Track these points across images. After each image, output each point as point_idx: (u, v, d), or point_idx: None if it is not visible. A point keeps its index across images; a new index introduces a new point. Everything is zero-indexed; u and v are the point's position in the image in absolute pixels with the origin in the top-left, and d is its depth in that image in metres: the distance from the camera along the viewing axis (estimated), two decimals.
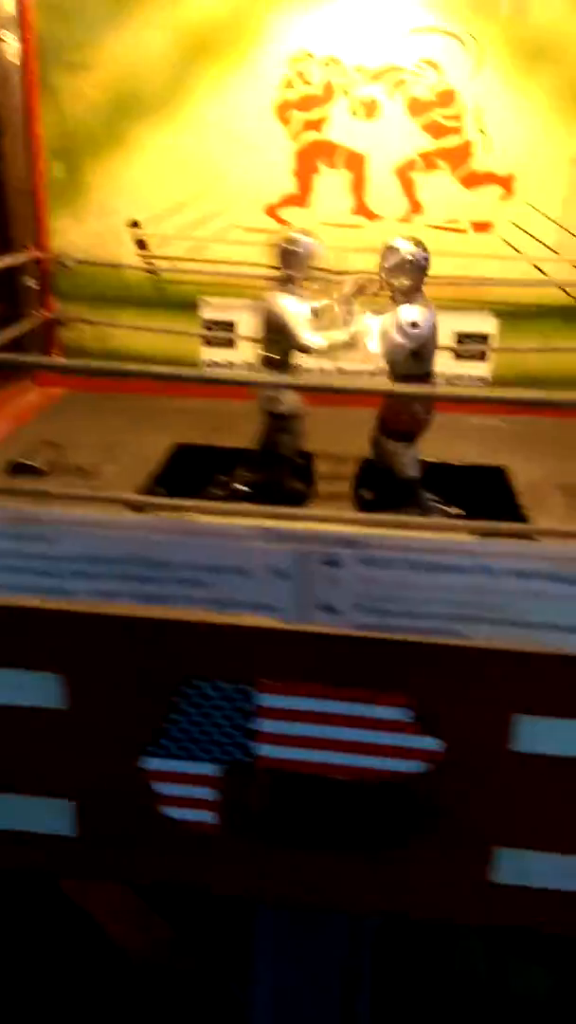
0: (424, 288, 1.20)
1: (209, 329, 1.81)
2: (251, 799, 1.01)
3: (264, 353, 1.21)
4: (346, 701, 0.93)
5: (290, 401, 1.26)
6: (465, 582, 0.84)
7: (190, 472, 1.42)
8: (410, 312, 1.16)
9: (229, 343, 1.81)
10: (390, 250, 1.17)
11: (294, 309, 1.17)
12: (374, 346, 1.17)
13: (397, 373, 1.21)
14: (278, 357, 1.20)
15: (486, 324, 1.75)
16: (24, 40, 1.65)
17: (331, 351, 1.16)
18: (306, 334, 1.16)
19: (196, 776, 1.00)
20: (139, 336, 1.82)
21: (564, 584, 0.82)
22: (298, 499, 1.26)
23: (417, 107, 1.63)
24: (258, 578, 0.86)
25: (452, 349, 1.75)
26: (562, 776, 0.95)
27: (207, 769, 1.00)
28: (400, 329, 1.15)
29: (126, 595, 0.90)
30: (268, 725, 0.97)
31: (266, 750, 0.98)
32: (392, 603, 0.86)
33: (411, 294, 1.17)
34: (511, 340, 1.74)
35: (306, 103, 1.66)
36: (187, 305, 1.81)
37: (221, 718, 0.97)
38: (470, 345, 1.75)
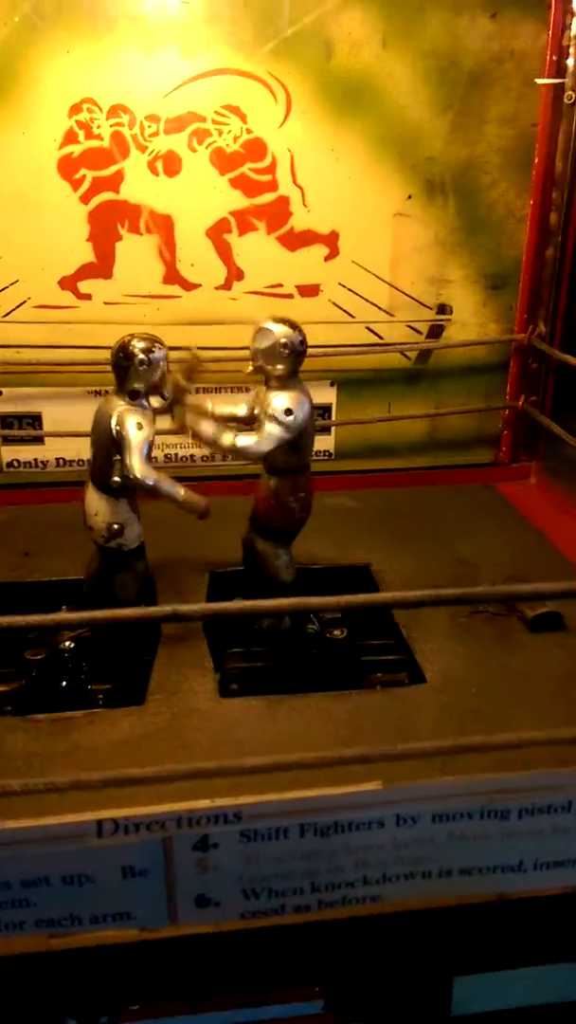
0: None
1: (9, 426, 1.54)
2: None
3: (113, 477, 0.99)
4: (243, 1008, 0.72)
5: (138, 533, 1.04)
6: (375, 838, 0.66)
7: None
8: (281, 399, 1.03)
9: (38, 439, 1.55)
10: (263, 332, 1.03)
11: (141, 429, 0.96)
12: (245, 441, 1.03)
13: (274, 468, 1.08)
14: (119, 480, 0.98)
15: (326, 394, 1.58)
16: None
17: (156, 491, 0.97)
18: (141, 464, 0.95)
19: None
20: None
21: (495, 820, 0.66)
22: (144, 652, 1.04)
23: (223, 160, 1.43)
24: (102, 882, 0.63)
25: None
26: None
27: None
28: (274, 419, 1.02)
29: None
30: None
31: None
32: (285, 880, 0.66)
33: (286, 380, 1.04)
34: (353, 409, 1.59)
35: (95, 159, 1.41)
36: None
37: None
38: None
